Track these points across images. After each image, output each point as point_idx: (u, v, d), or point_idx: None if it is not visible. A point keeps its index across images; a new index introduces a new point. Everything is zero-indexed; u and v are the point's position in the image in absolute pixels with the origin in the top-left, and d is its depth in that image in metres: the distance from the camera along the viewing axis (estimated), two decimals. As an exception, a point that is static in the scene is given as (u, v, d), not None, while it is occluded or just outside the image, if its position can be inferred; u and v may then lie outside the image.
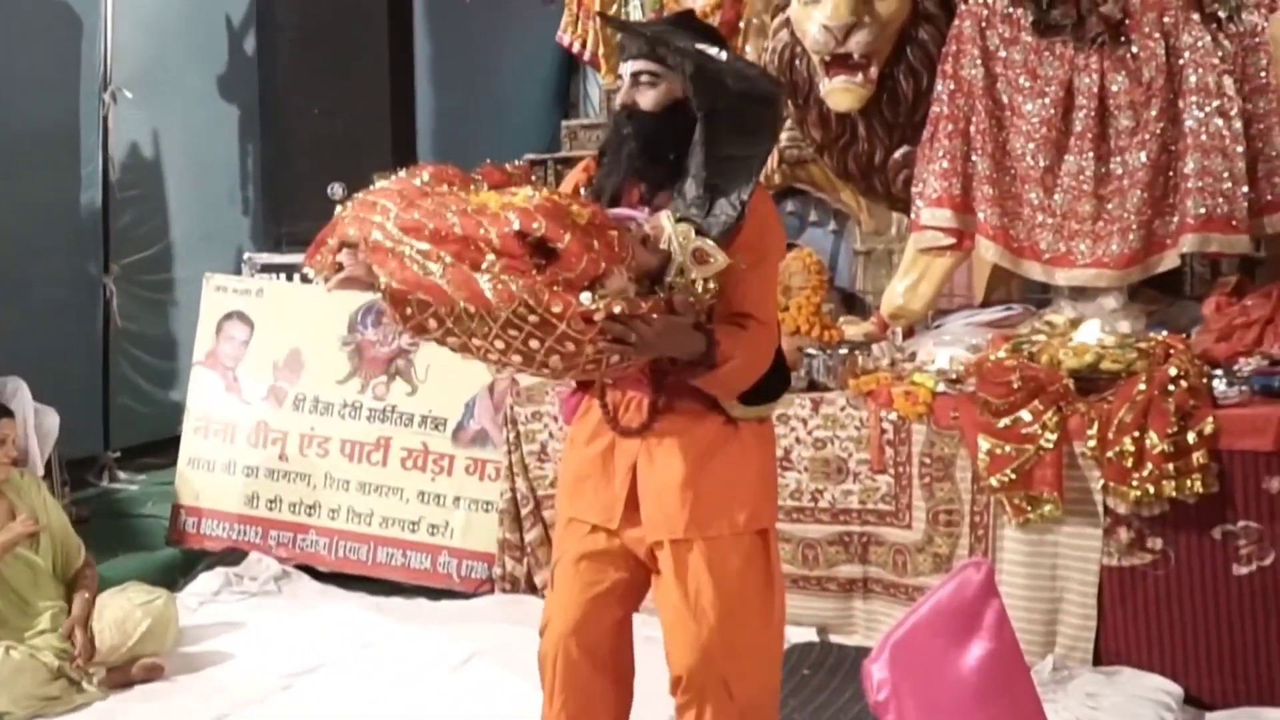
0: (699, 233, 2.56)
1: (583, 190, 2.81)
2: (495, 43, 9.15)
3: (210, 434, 5.91)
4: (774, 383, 2.82)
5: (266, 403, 5.86)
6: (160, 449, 6.91)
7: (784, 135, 5.84)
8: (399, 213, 2.48)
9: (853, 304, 5.91)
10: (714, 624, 2.74)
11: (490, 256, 2.39)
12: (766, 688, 2.82)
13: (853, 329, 5.29)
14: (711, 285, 2.59)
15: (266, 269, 6.70)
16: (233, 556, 5.69)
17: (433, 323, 2.42)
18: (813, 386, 4.80)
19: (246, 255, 6.96)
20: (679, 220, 2.59)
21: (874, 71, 4.96)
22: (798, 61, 5.12)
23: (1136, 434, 4.08)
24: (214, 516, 5.82)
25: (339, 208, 2.62)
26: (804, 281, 5.18)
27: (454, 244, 2.41)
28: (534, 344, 2.42)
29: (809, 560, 4.69)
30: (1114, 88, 4.66)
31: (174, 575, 5.57)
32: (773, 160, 5.90)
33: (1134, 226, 4.63)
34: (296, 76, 6.82)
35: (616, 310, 2.41)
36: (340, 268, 2.54)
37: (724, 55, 2.73)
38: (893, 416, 4.51)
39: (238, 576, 5.51)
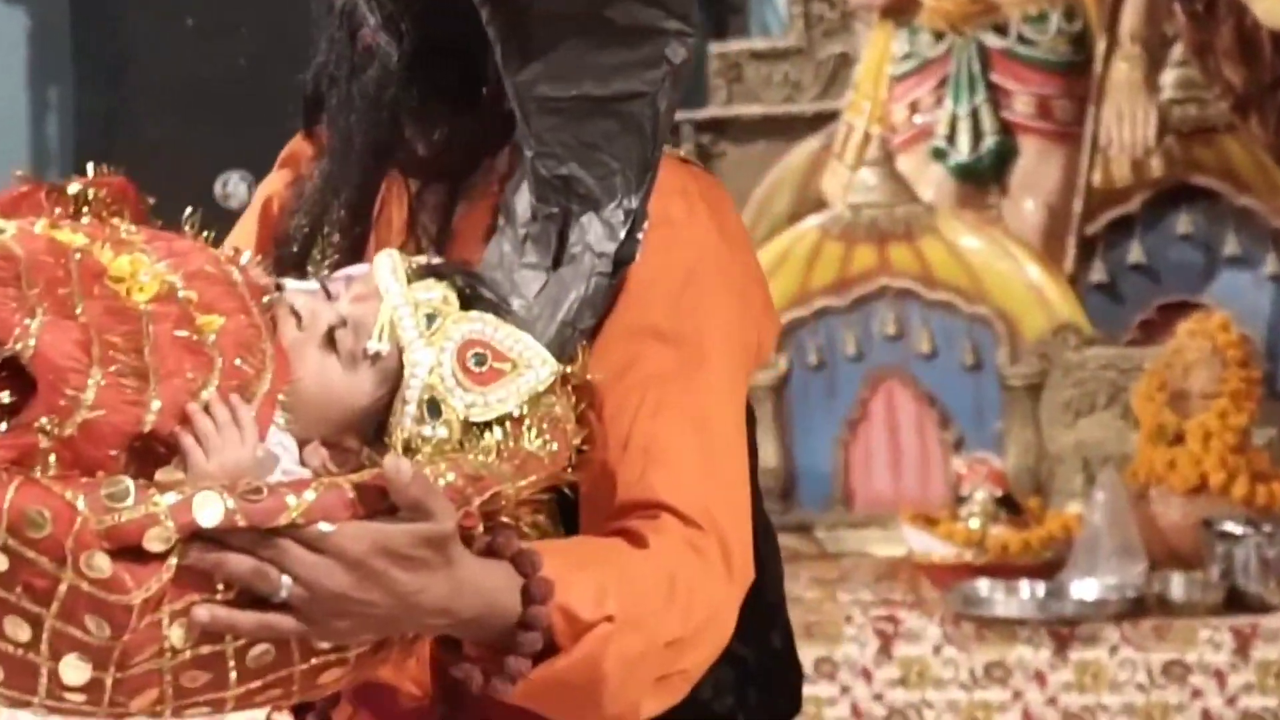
0: (493, 309, 1.48)
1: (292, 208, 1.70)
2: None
3: None
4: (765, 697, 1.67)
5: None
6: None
7: (1169, 77, 4.54)
8: None
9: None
10: None
11: None
12: None
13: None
14: (547, 431, 1.44)
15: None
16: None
17: None
18: (1233, 600, 3.68)
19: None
20: (448, 277, 1.49)
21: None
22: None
23: None
24: None
25: None
26: (1212, 380, 3.85)
27: None
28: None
29: None
30: None
31: None
32: (1149, 130, 4.50)
33: None
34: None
35: (215, 519, 1.28)
36: None
37: None
38: None
39: None
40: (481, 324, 1.46)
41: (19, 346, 1.29)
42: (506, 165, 1.59)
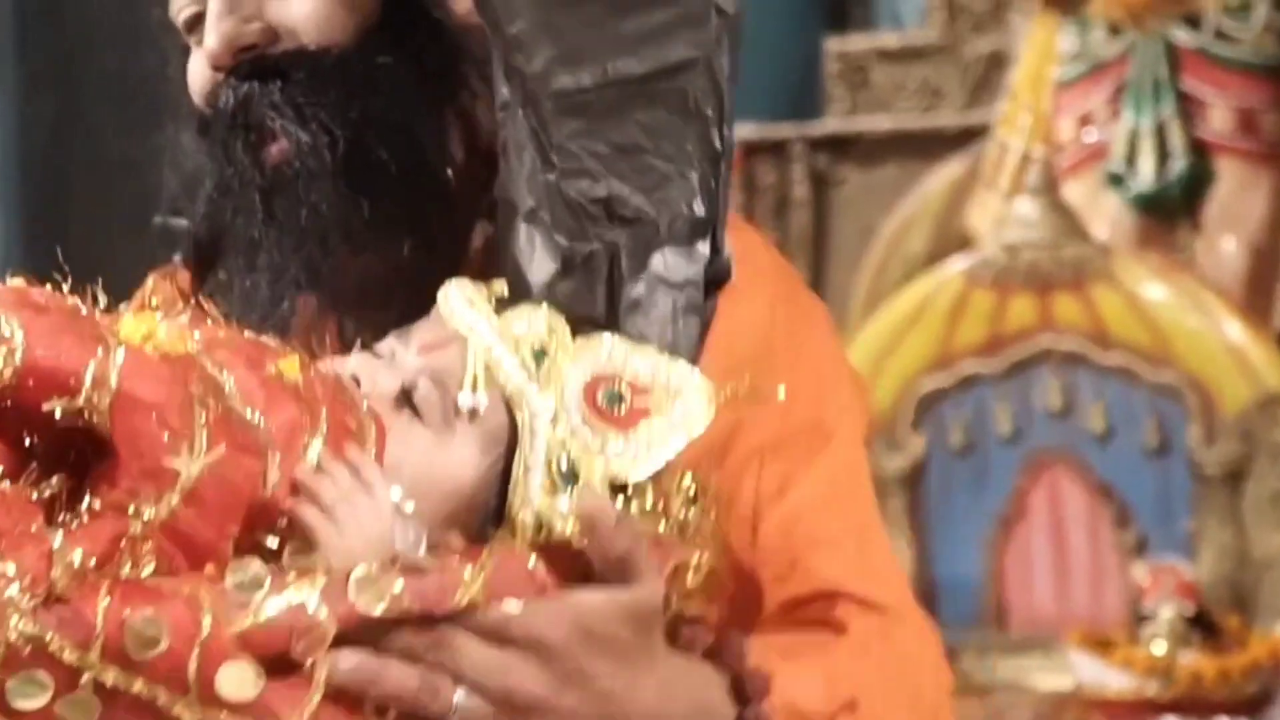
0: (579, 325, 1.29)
1: None
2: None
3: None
4: None
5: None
6: None
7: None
8: None
9: None
10: None
11: None
12: None
13: None
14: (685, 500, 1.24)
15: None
16: None
17: None
18: None
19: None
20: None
21: None
22: None
23: None
24: None
25: None
26: None
27: None
28: None
29: None
30: None
31: None
32: None
33: None
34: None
35: (380, 604, 1.07)
36: None
37: None
38: None
39: None
40: (607, 351, 1.23)
41: (96, 395, 1.00)
42: (482, 237, 1.35)
